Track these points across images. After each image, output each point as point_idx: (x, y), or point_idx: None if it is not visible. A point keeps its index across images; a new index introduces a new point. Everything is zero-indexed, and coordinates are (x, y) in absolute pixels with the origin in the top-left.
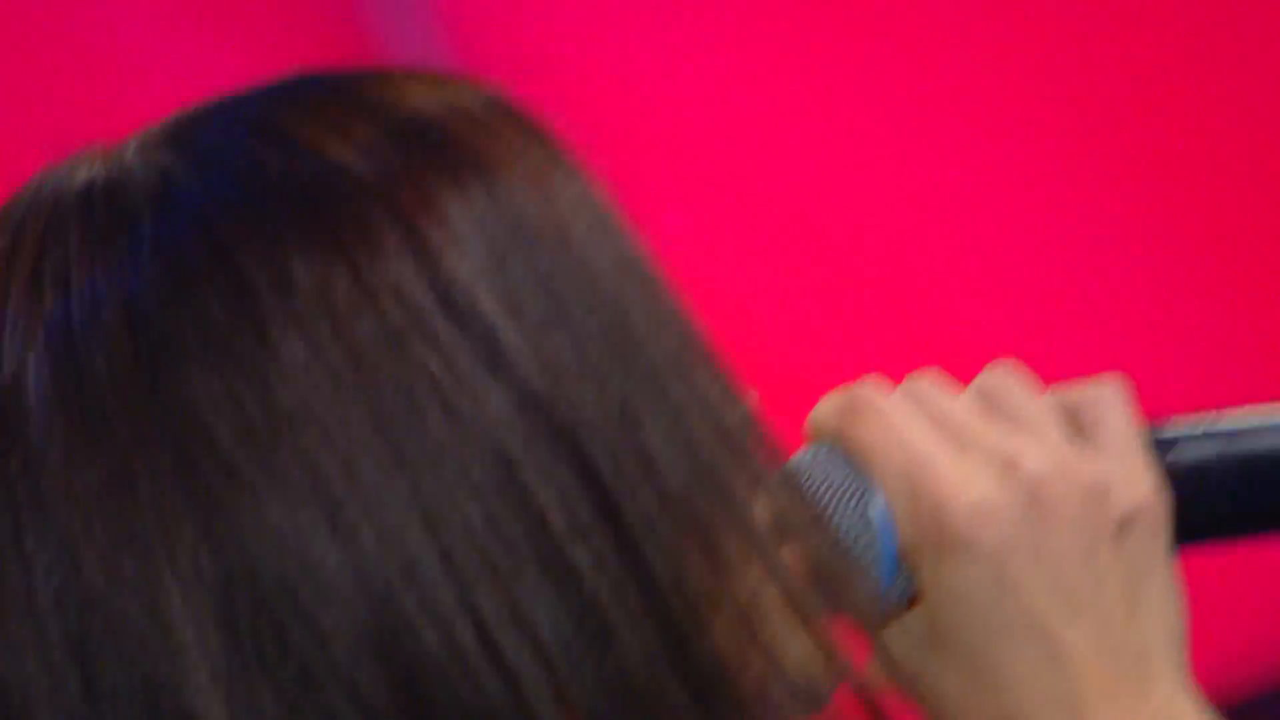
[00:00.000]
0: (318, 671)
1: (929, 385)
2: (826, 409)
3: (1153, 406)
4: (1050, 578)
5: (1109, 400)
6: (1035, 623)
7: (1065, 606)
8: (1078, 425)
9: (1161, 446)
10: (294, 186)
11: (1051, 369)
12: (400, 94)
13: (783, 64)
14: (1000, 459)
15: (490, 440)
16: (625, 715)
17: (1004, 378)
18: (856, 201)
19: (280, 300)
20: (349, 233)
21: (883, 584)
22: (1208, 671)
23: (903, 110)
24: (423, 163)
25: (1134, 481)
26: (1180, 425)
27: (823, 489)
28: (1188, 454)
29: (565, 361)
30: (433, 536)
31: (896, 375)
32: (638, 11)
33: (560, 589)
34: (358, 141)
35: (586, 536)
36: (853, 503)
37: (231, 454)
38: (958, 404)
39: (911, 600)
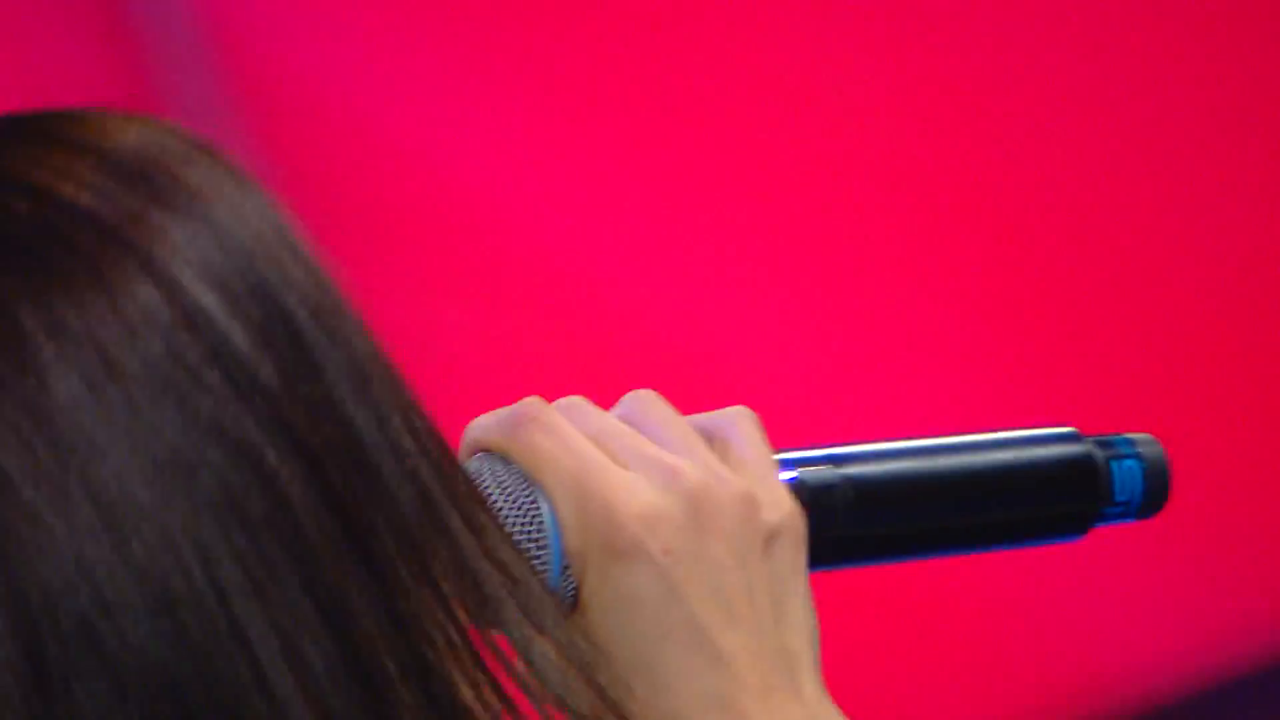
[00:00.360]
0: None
1: (583, 403)
2: (487, 421)
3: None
4: (711, 584)
5: (742, 424)
6: (697, 627)
7: (723, 612)
8: (713, 447)
9: (789, 470)
10: (46, 230)
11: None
12: (105, 133)
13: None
14: (661, 469)
15: (258, 472)
16: None
17: (647, 400)
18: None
19: (53, 343)
20: (106, 272)
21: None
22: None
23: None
24: (146, 197)
25: (777, 499)
26: (806, 451)
27: (495, 492)
28: (813, 479)
29: (310, 392)
30: (208, 569)
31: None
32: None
33: (325, 621)
34: (88, 183)
35: (345, 567)
36: (524, 506)
37: (22, 488)
38: (611, 420)
39: (572, 606)
